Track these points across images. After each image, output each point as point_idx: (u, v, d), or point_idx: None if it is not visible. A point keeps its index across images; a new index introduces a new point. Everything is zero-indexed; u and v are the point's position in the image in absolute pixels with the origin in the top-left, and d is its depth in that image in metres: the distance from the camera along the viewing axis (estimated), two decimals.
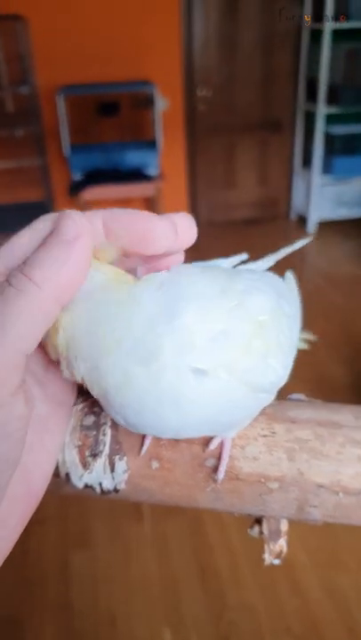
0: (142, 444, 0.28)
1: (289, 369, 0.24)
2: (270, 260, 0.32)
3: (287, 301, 0.26)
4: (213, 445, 0.27)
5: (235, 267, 0.29)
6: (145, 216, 0.19)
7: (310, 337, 0.35)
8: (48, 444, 0.23)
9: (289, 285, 0.33)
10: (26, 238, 0.19)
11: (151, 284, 0.21)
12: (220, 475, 0.27)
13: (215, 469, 0.27)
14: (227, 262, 0.29)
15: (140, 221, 0.19)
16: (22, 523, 0.21)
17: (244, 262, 0.31)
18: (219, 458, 0.27)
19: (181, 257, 0.23)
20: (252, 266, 0.31)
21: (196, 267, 0.23)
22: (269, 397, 0.24)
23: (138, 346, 0.19)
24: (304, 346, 0.34)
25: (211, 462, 0.28)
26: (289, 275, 0.33)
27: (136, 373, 0.20)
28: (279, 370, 0.22)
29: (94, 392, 0.22)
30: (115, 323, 0.20)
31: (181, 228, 0.20)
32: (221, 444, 0.27)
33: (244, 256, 0.31)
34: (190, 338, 0.20)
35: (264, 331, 0.21)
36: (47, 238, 0.18)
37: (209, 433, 0.24)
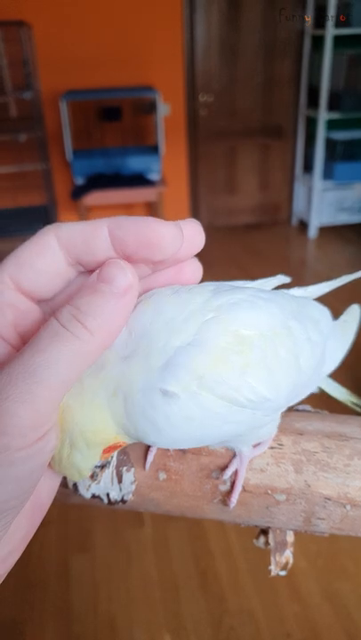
0: (145, 458, 0.28)
1: (285, 393, 0.23)
2: (326, 286, 0.31)
3: (311, 327, 0.25)
4: (227, 475, 0.27)
5: (274, 289, 0.28)
6: (151, 222, 0.19)
7: None
8: None
9: (346, 317, 0.32)
10: (40, 261, 0.20)
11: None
12: (232, 504, 0.27)
13: (228, 493, 0.27)
14: (256, 283, 0.28)
15: (146, 227, 0.19)
16: (28, 535, 0.22)
17: (286, 286, 0.30)
18: (232, 485, 0.27)
19: (199, 269, 0.23)
20: (298, 291, 0.30)
21: (177, 288, 0.22)
22: (266, 417, 0.23)
23: (108, 370, 0.20)
24: (358, 409, 0.33)
25: (216, 474, 0.28)
26: (354, 309, 0.32)
27: (118, 398, 0.20)
28: (261, 389, 0.21)
29: None
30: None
31: (189, 234, 0.20)
32: (236, 473, 0.27)
33: (283, 278, 0.30)
34: (155, 353, 0.20)
35: (243, 347, 0.20)
36: (98, 285, 0.19)
37: (203, 445, 0.23)
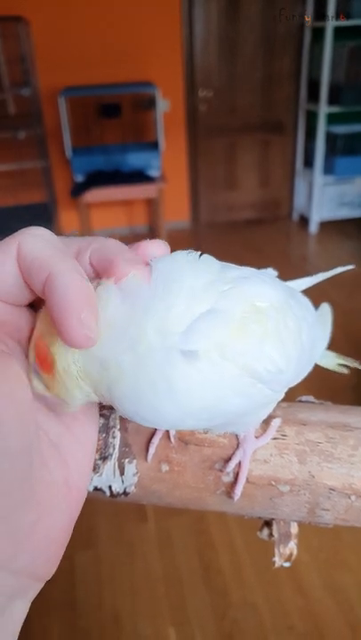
0: (147, 450, 0.28)
1: (293, 366, 0.23)
2: (306, 282, 0.32)
3: (305, 309, 0.26)
4: (230, 468, 0.27)
5: None
6: (68, 312, 0.18)
7: (352, 363, 0.34)
8: (78, 434, 0.23)
9: (321, 312, 0.32)
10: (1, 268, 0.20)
11: (138, 274, 0.20)
12: (236, 497, 0.27)
13: (231, 485, 0.27)
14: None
15: (62, 312, 0.18)
16: (70, 512, 0.21)
17: None
18: (235, 477, 0.27)
19: (166, 248, 0.22)
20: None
21: (191, 255, 0.22)
22: (273, 394, 0.23)
23: (123, 332, 0.19)
24: (343, 370, 0.34)
25: (219, 465, 0.28)
26: (325, 306, 0.33)
27: (124, 361, 0.19)
28: (278, 360, 0.21)
29: (97, 389, 0.21)
30: (100, 315, 0.19)
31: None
32: (240, 464, 0.27)
33: (272, 272, 0.30)
34: (175, 318, 0.19)
35: (261, 316, 0.21)
36: None
37: (209, 425, 0.22)
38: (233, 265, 0.23)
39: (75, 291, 0.18)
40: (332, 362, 0.34)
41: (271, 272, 0.29)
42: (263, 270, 0.28)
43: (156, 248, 0.21)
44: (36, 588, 0.20)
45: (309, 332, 0.25)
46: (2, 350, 0.19)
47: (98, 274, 0.20)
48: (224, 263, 0.23)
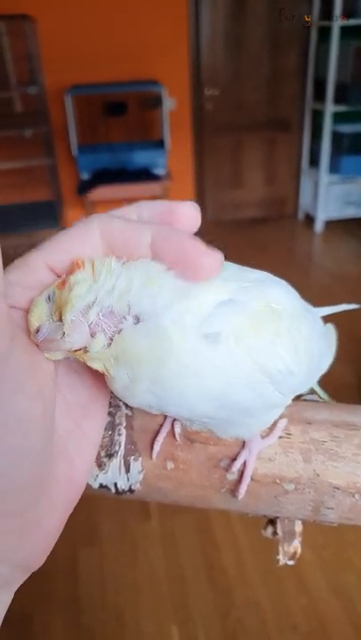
0: (152, 448, 0.28)
1: (303, 371, 0.23)
2: (323, 311, 0.33)
3: (315, 321, 0.26)
4: (235, 467, 0.27)
5: None
6: (196, 247, 0.19)
7: (322, 394, 0.34)
8: (88, 430, 0.23)
9: (326, 332, 0.33)
10: (79, 247, 0.20)
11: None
12: (241, 495, 0.27)
13: (236, 484, 0.27)
14: None
15: (191, 251, 0.19)
16: (67, 508, 0.22)
17: None
18: (240, 476, 0.27)
19: (197, 212, 0.22)
20: None
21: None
22: (280, 398, 0.23)
23: (150, 316, 0.20)
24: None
25: (225, 463, 0.28)
26: (330, 326, 0.33)
27: (155, 343, 0.19)
28: (289, 362, 0.22)
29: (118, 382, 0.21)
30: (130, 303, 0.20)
31: (185, 217, 0.21)
32: (245, 464, 0.27)
33: None
34: (198, 303, 0.20)
35: (276, 317, 0.21)
36: None
37: (216, 416, 0.22)
38: (251, 269, 0.24)
39: (184, 235, 0.20)
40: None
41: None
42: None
43: (188, 214, 0.21)
44: (23, 579, 0.21)
45: (319, 342, 0.26)
46: (33, 347, 0.20)
47: (158, 258, 0.20)
48: (242, 267, 0.23)
